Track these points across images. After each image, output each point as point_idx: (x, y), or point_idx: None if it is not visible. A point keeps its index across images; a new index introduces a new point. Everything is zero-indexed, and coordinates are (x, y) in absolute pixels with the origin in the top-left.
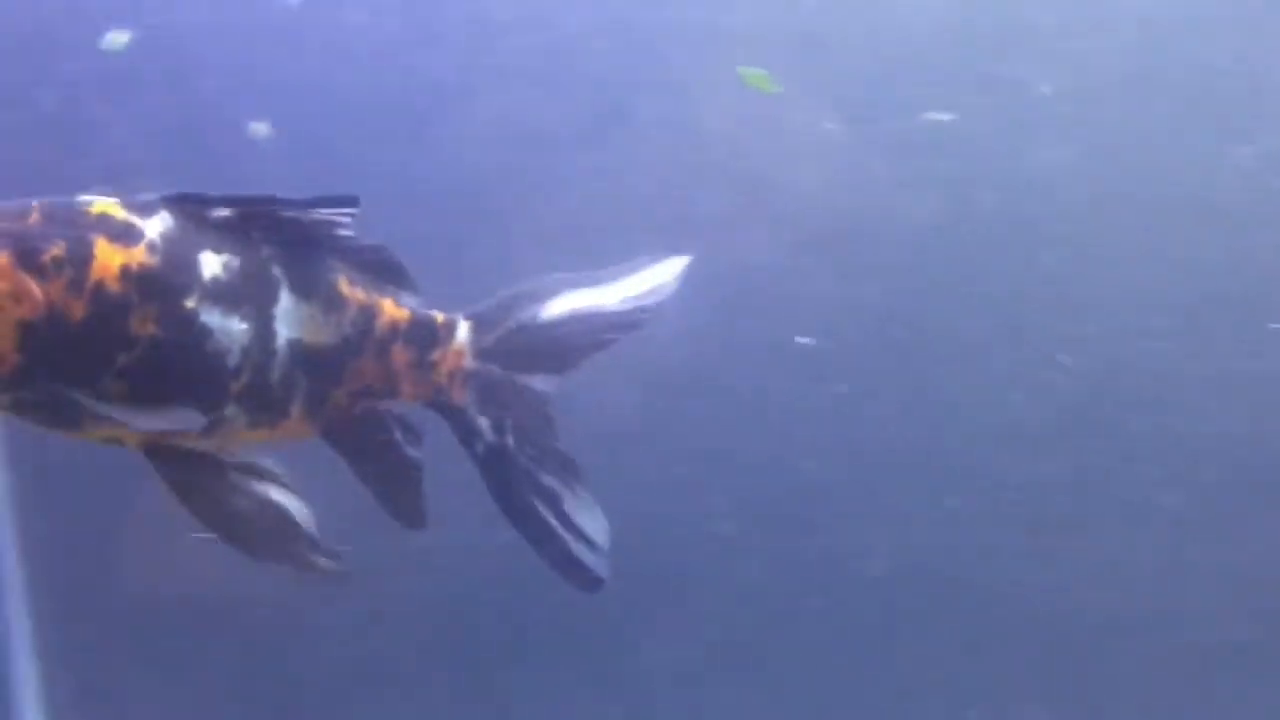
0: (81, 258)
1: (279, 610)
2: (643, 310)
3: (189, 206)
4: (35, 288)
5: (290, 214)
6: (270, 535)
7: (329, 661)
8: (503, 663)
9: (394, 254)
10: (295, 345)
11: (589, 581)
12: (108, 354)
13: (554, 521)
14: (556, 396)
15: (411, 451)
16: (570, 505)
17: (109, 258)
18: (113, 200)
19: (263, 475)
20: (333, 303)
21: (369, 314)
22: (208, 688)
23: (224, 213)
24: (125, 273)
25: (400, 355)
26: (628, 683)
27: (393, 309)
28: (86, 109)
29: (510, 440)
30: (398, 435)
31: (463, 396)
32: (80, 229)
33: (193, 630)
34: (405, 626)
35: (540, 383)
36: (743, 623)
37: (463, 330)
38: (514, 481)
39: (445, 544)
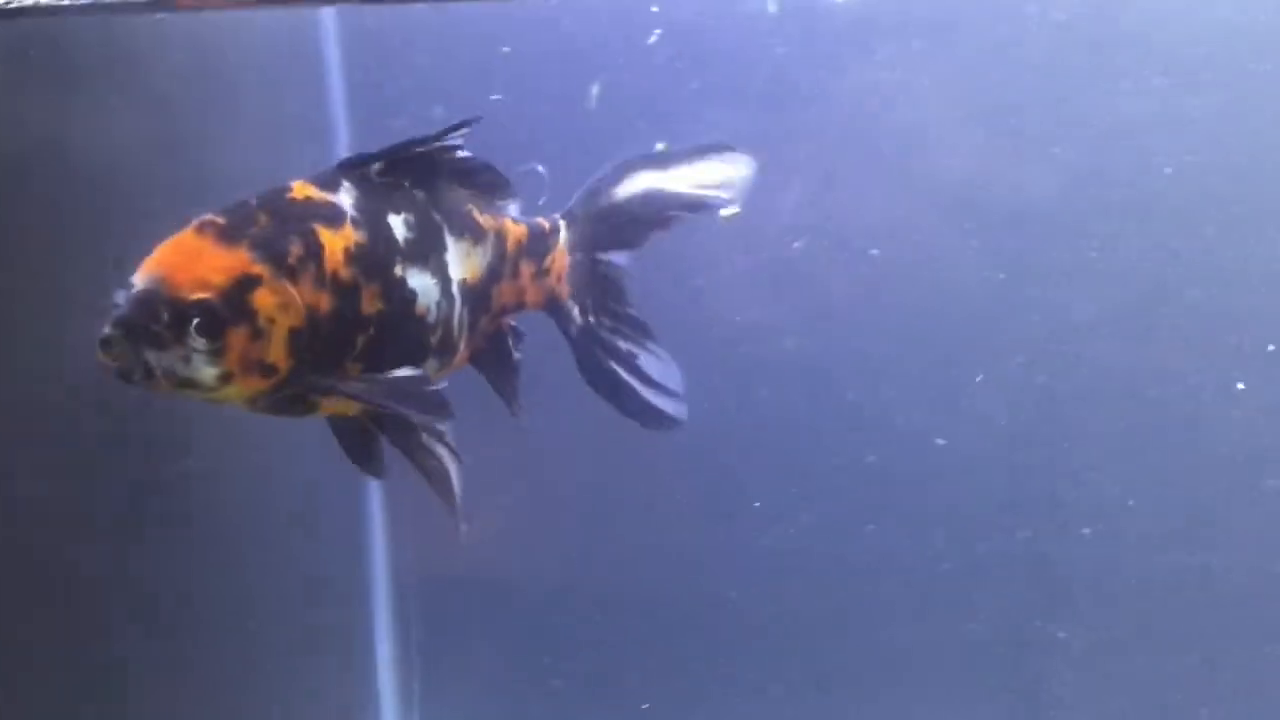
0: (315, 250)
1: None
2: (709, 197)
3: (354, 171)
4: (296, 294)
5: (423, 149)
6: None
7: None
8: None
9: (494, 165)
10: (462, 285)
11: (668, 424)
12: (350, 338)
13: (632, 379)
14: (631, 268)
15: (516, 351)
16: (645, 361)
17: (333, 244)
18: (301, 181)
19: (438, 434)
20: (478, 235)
21: (501, 238)
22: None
23: (377, 167)
24: (347, 255)
25: (526, 269)
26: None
27: (513, 227)
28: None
29: (592, 317)
30: (509, 339)
31: (565, 291)
32: (301, 220)
33: (541, 612)
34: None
35: (617, 258)
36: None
37: (562, 231)
38: (596, 352)
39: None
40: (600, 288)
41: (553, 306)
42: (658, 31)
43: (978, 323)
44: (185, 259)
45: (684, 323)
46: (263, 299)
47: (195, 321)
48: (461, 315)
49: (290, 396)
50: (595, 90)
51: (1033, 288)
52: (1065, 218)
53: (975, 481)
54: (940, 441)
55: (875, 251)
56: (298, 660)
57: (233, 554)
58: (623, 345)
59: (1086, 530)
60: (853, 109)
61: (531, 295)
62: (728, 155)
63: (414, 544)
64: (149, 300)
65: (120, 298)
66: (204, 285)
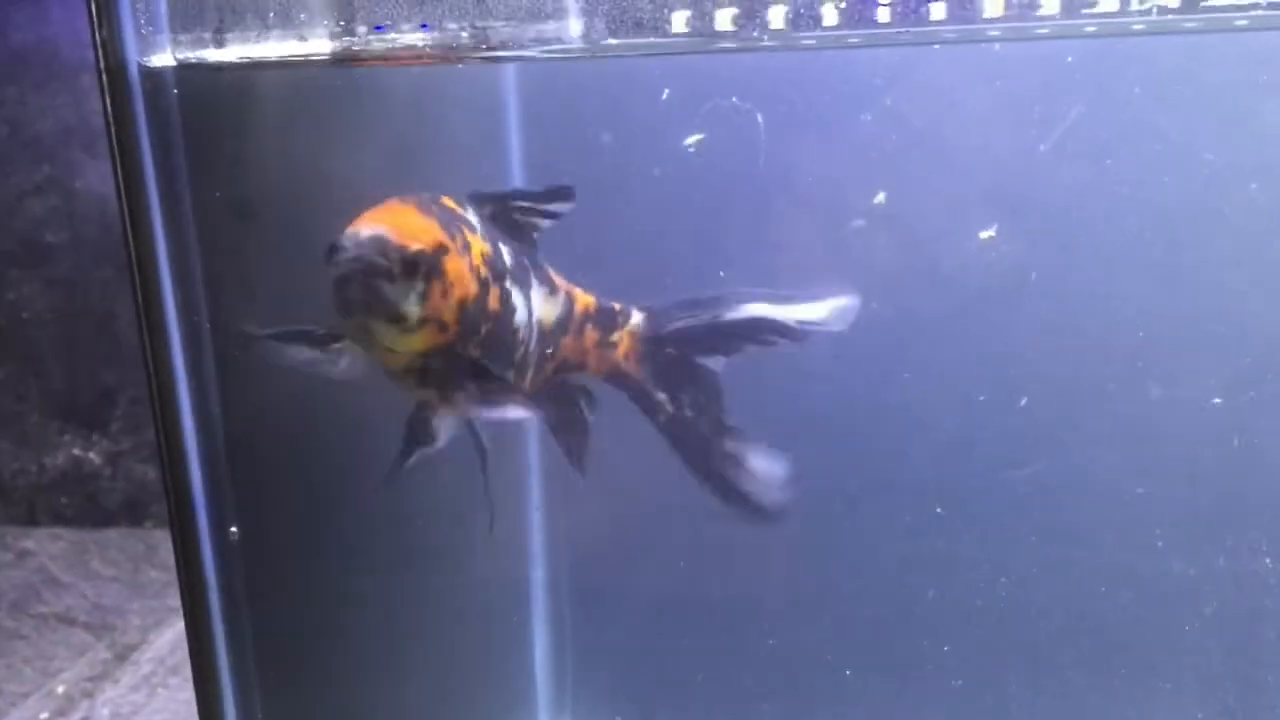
0: (467, 244)
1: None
2: (807, 327)
3: (476, 199)
4: (466, 268)
5: (519, 203)
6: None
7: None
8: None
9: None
10: (539, 325)
11: (769, 515)
12: (479, 325)
13: (731, 471)
14: (724, 375)
15: (587, 413)
16: (744, 453)
17: (475, 245)
18: (447, 196)
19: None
20: (552, 288)
21: (571, 299)
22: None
23: (487, 210)
24: (484, 257)
25: (590, 335)
26: None
27: (583, 296)
28: None
29: (688, 411)
30: (580, 401)
31: (637, 371)
32: (456, 220)
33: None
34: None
35: (711, 364)
36: None
37: (636, 317)
38: (694, 443)
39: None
40: (692, 386)
41: (622, 383)
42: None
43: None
44: (400, 220)
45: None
46: (451, 264)
47: (417, 266)
48: (535, 348)
49: (446, 363)
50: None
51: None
52: None
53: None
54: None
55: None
56: (459, 664)
57: (402, 558)
58: (724, 442)
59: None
60: None
61: (594, 362)
62: (837, 297)
63: (571, 552)
64: (380, 242)
65: (349, 240)
66: (419, 240)
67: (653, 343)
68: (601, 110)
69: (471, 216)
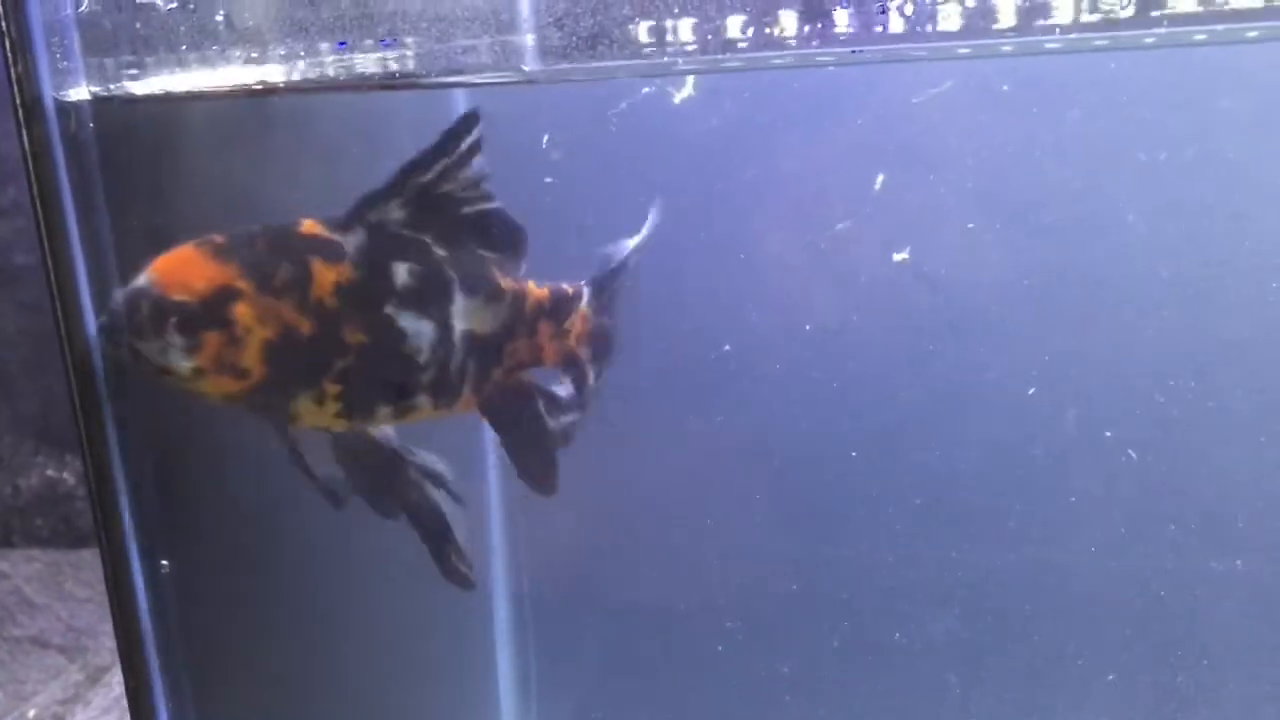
0: (302, 278)
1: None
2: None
3: (368, 211)
4: (275, 311)
5: (428, 162)
6: (429, 533)
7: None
8: None
9: (511, 215)
10: (467, 336)
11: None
12: (327, 361)
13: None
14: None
15: (552, 421)
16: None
17: (323, 276)
18: (314, 220)
19: (434, 476)
20: (493, 294)
21: (520, 299)
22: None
23: (399, 216)
24: (336, 288)
25: (545, 329)
26: None
27: (535, 290)
28: None
29: (603, 379)
30: (540, 403)
31: (584, 353)
32: (299, 251)
33: (666, 635)
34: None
35: (615, 322)
36: None
37: (585, 296)
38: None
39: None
40: (613, 354)
41: (570, 366)
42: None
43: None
44: (178, 266)
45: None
46: (241, 310)
47: (173, 320)
48: (464, 363)
49: (267, 401)
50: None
51: None
52: None
53: None
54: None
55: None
56: (421, 675)
57: (359, 570)
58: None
59: None
60: None
61: (550, 355)
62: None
63: (530, 560)
64: (136, 296)
65: (117, 293)
66: (188, 290)
67: (597, 318)
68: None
69: (347, 240)
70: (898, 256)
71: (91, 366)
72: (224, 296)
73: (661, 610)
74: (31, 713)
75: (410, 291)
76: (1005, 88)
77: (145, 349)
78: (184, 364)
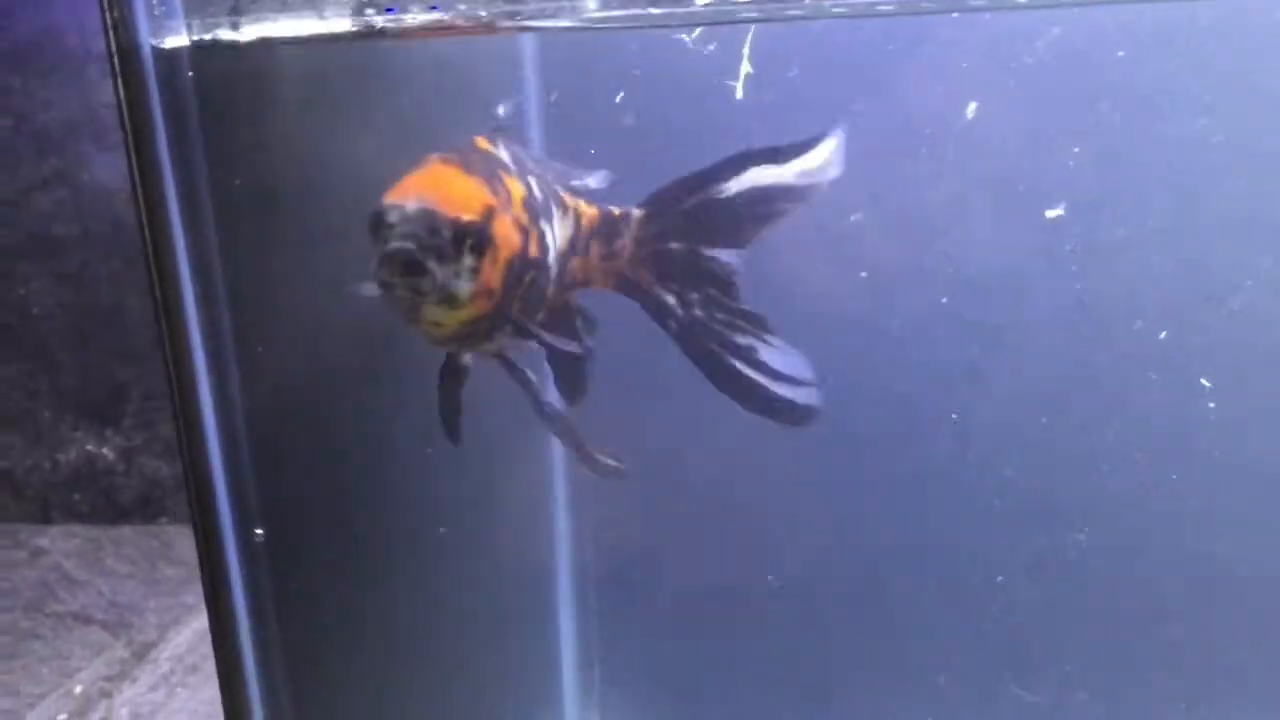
0: (508, 193)
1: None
2: (812, 184)
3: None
4: (511, 227)
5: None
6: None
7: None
8: None
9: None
10: (559, 251)
11: (800, 417)
12: (522, 279)
13: (752, 372)
14: (740, 265)
15: (587, 337)
16: (766, 354)
17: (514, 191)
18: (481, 138)
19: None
20: (564, 209)
21: (578, 216)
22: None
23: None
24: (523, 202)
25: (596, 250)
26: None
27: (587, 209)
28: None
29: (698, 311)
30: (579, 323)
31: (644, 277)
32: (494, 168)
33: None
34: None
35: (723, 254)
36: None
37: (636, 219)
38: (708, 345)
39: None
40: (703, 283)
41: (630, 292)
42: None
43: None
44: (447, 186)
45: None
46: (499, 227)
47: (469, 241)
48: (555, 278)
49: (498, 323)
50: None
51: None
52: None
53: None
54: None
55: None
56: (484, 659)
57: (427, 552)
58: (740, 340)
59: None
60: None
61: (600, 276)
62: (826, 139)
63: (597, 544)
64: (429, 219)
65: (392, 215)
66: (470, 209)
67: (656, 240)
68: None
69: (504, 154)
70: (1051, 213)
71: (187, 328)
72: (489, 215)
73: (729, 592)
74: (78, 689)
75: (539, 204)
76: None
77: (440, 275)
78: (467, 287)
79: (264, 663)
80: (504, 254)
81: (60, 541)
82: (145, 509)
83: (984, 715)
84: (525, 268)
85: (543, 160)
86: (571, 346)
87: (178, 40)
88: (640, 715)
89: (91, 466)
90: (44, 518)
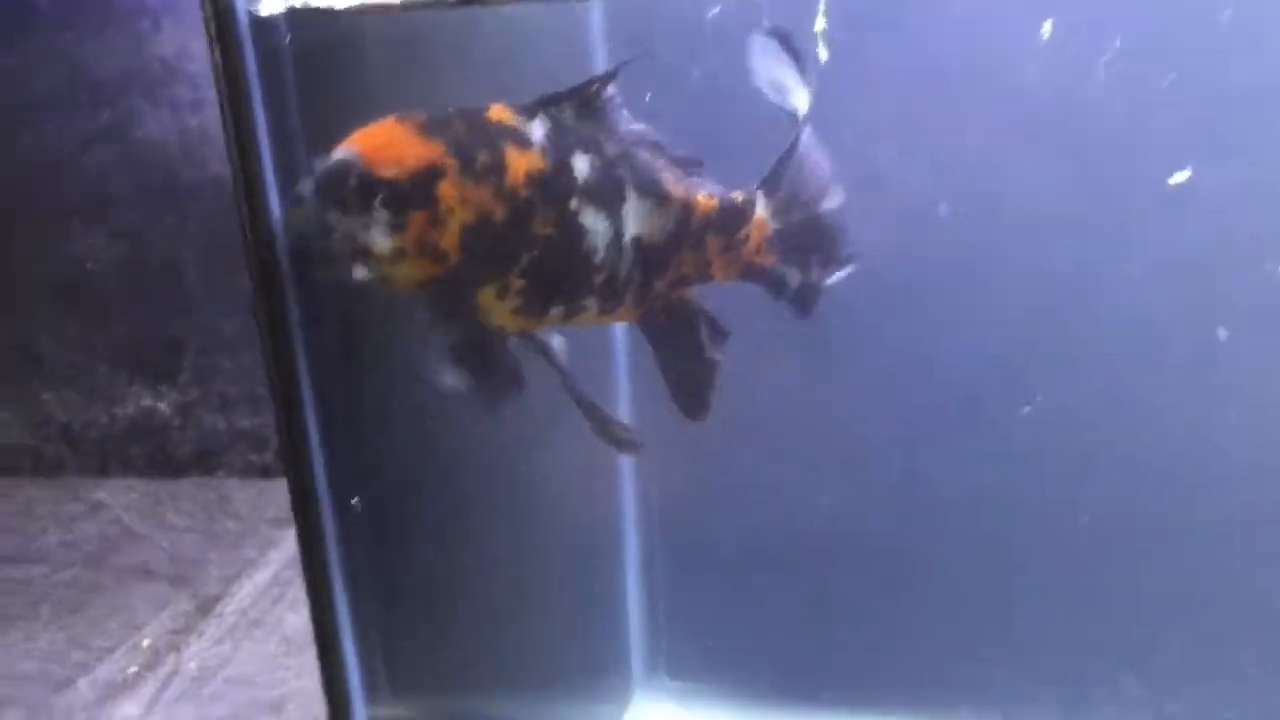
0: (499, 164)
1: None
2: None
3: (552, 107)
4: (475, 194)
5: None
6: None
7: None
8: None
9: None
10: (636, 242)
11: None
12: (516, 251)
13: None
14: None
15: (711, 350)
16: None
17: (517, 163)
18: (501, 105)
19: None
20: (661, 200)
21: (689, 209)
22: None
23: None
24: (528, 177)
25: (713, 243)
26: None
27: (705, 201)
28: None
29: (815, 273)
30: (703, 330)
31: (769, 260)
32: (493, 136)
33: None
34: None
35: (828, 208)
36: None
37: (760, 205)
38: (821, 310)
39: None
40: (816, 244)
41: (754, 277)
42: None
43: None
44: (383, 141)
45: None
46: (445, 190)
47: (380, 196)
48: (632, 270)
49: (453, 291)
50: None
51: None
52: None
53: None
54: None
55: None
56: (555, 606)
57: (501, 510)
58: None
59: None
60: None
61: (720, 270)
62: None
63: (663, 502)
64: (343, 170)
65: (318, 164)
66: (397, 165)
67: (783, 221)
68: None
69: (533, 128)
70: (1177, 178)
71: (285, 304)
72: (431, 174)
73: (796, 547)
74: (146, 642)
75: (590, 186)
76: None
77: (347, 225)
78: (385, 243)
79: (355, 607)
80: (458, 218)
81: (119, 495)
82: (202, 463)
83: (1048, 671)
84: (517, 241)
85: (638, 149)
86: (557, 360)
87: (273, 5)
88: (707, 673)
89: (148, 421)
90: (101, 471)
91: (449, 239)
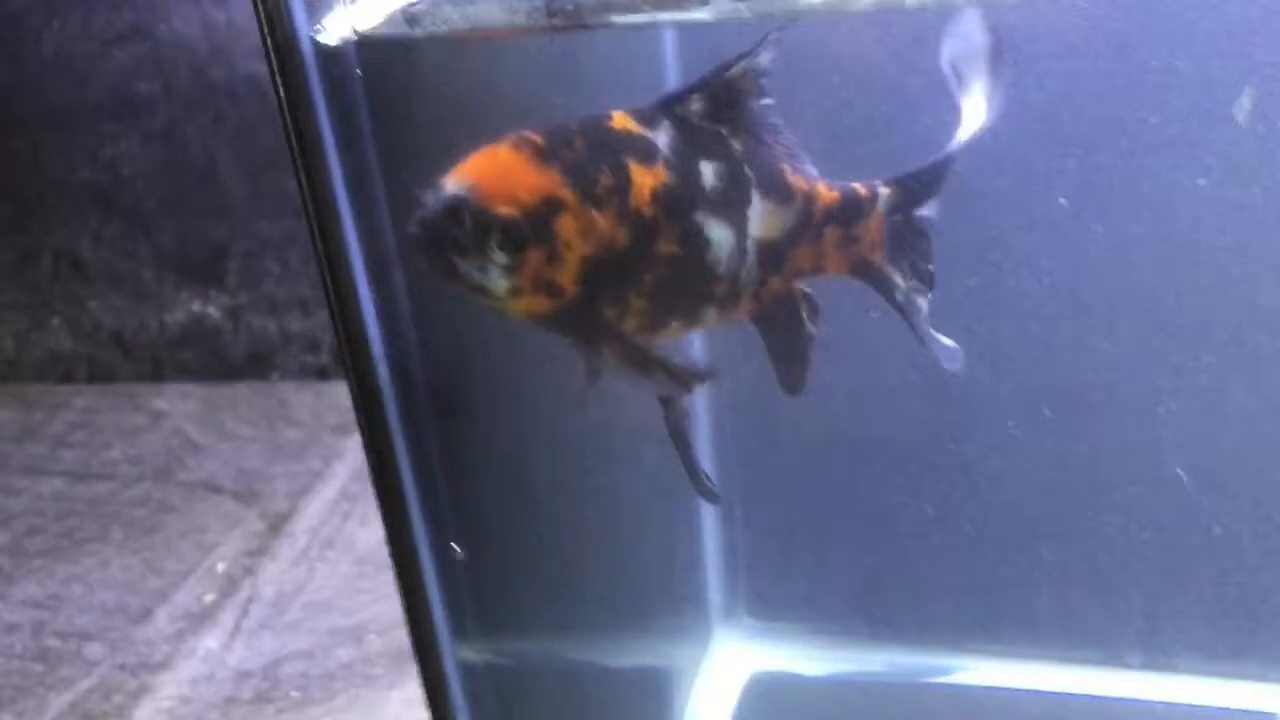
0: (623, 185)
1: None
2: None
3: (675, 107)
4: (597, 223)
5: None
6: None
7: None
8: None
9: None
10: (758, 243)
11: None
12: (639, 274)
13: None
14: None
15: (810, 325)
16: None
17: (641, 180)
18: (623, 112)
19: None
20: (784, 196)
21: (809, 201)
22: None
23: (698, 108)
24: (654, 194)
25: (831, 236)
26: None
27: (825, 193)
28: None
29: (915, 278)
30: (803, 310)
31: (880, 257)
32: (617, 151)
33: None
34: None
35: (928, 210)
36: None
37: (882, 198)
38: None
39: None
40: (918, 245)
41: (864, 274)
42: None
43: None
44: (499, 172)
45: None
46: (565, 224)
47: (498, 236)
48: (751, 272)
49: (574, 319)
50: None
51: None
52: None
53: None
54: None
55: None
56: (636, 546)
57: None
58: (921, 302)
59: None
60: None
61: (833, 264)
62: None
63: (741, 447)
64: (455, 208)
65: (429, 198)
66: (513, 202)
67: (899, 215)
68: None
69: (658, 135)
70: None
71: (368, 339)
72: (549, 209)
73: (875, 498)
74: (220, 566)
75: (717, 195)
76: None
77: (462, 267)
78: (502, 283)
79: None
80: (578, 251)
81: (178, 403)
82: (257, 366)
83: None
84: (641, 264)
85: (760, 143)
86: (684, 383)
87: (341, 33)
88: (788, 611)
89: (199, 325)
90: (156, 376)
91: (568, 273)
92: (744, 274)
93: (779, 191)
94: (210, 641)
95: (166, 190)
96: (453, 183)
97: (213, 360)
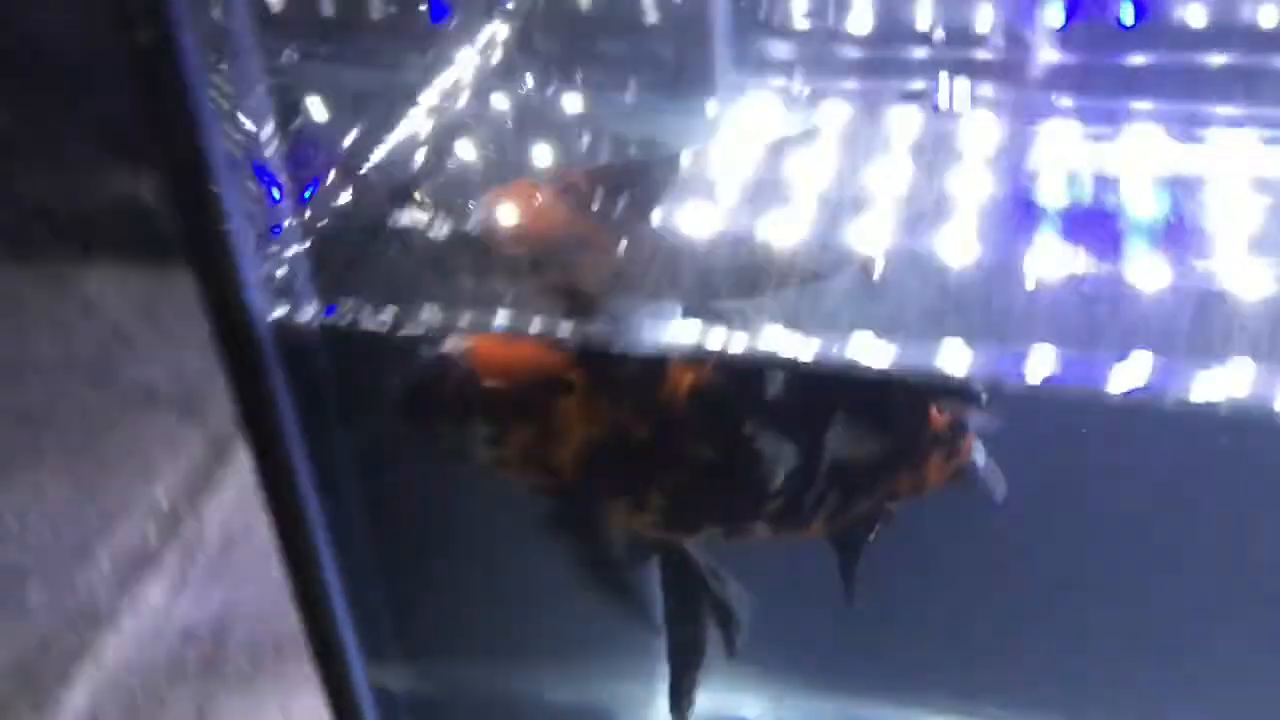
0: (654, 376)
1: None
2: None
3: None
4: (606, 411)
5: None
6: (680, 658)
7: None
8: None
9: None
10: (839, 465)
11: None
12: (659, 473)
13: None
14: None
15: (871, 534)
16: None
17: (680, 379)
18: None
19: (724, 611)
20: (885, 424)
21: (917, 426)
22: None
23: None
24: (693, 393)
25: (935, 462)
26: None
27: (935, 416)
28: None
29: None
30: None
31: (969, 457)
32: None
33: None
34: None
35: None
36: None
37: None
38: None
39: None
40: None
41: (964, 479)
42: None
43: None
44: (496, 344)
45: None
46: (565, 407)
47: (478, 407)
48: (827, 495)
49: (576, 499)
50: None
51: None
52: None
53: None
54: None
55: None
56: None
57: None
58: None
59: None
60: None
61: (934, 479)
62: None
63: None
64: (444, 370)
65: (423, 361)
66: (503, 376)
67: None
68: None
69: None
70: None
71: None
72: (546, 389)
73: None
74: (165, 501)
75: (780, 405)
76: None
77: (443, 431)
78: (486, 453)
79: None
80: (579, 435)
81: (112, 296)
82: None
83: None
84: (645, 464)
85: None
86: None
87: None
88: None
89: (133, 202)
90: (85, 254)
91: (564, 455)
92: (814, 496)
93: (873, 415)
94: (155, 592)
95: (91, 63)
96: (448, 345)
97: (145, 239)
